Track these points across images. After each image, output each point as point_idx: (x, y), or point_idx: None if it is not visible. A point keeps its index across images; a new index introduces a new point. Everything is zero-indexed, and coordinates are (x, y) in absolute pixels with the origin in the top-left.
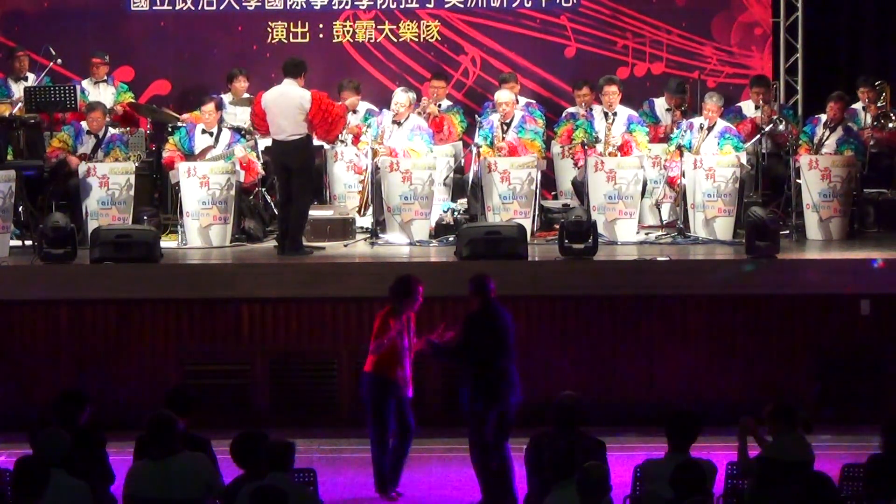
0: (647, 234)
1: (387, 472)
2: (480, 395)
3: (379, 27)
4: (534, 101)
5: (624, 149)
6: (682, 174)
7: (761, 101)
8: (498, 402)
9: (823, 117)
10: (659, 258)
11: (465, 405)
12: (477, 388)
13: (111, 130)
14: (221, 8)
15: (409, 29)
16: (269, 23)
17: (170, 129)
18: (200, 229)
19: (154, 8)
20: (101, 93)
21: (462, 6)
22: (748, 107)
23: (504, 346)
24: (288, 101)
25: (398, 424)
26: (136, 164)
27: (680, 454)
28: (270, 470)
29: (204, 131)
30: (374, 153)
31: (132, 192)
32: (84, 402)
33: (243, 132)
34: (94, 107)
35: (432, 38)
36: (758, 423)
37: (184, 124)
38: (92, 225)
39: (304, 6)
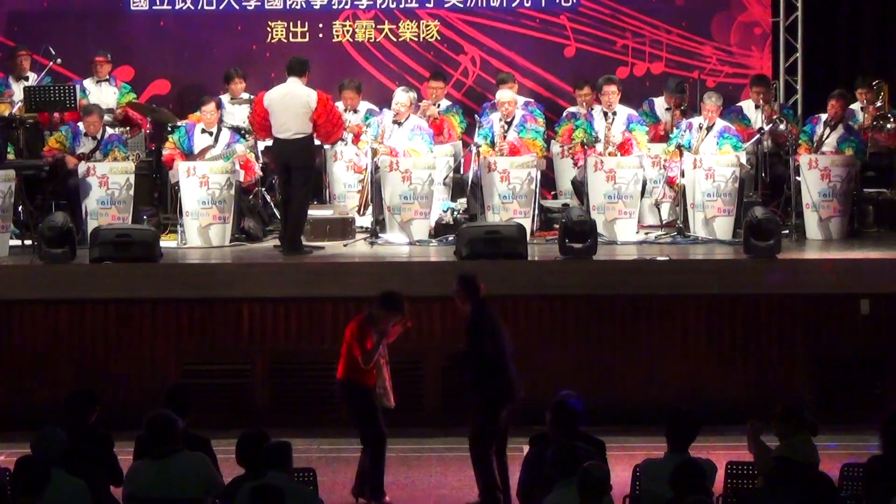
0: (646, 233)
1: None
2: (488, 394)
3: (378, 27)
4: (532, 100)
5: (623, 148)
6: (682, 174)
7: (761, 101)
8: (506, 399)
9: (823, 116)
10: (658, 258)
11: (475, 403)
12: (485, 389)
13: (109, 131)
14: (221, 7)
15: (408, 28)
16: (269, 22)
17: (169, 129)
18: (200, 229)
19: (154, 7)
20: (103, 92)
21: (461, 6)
22: (748, 106)
23: (504, 345)
24: (294, 100)
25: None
26: (136, 164)
27: (679, 454)
28: (270, 469)
29: (203, 131)
30: (374, 153)
31: (132, 192)
32: (94, 401)
33: (243, 132)
34: (91, 110)
35: (432, 37)
36: (762, 425)
37: (183, 124)
38: (91, 224)
39: (304, 6)
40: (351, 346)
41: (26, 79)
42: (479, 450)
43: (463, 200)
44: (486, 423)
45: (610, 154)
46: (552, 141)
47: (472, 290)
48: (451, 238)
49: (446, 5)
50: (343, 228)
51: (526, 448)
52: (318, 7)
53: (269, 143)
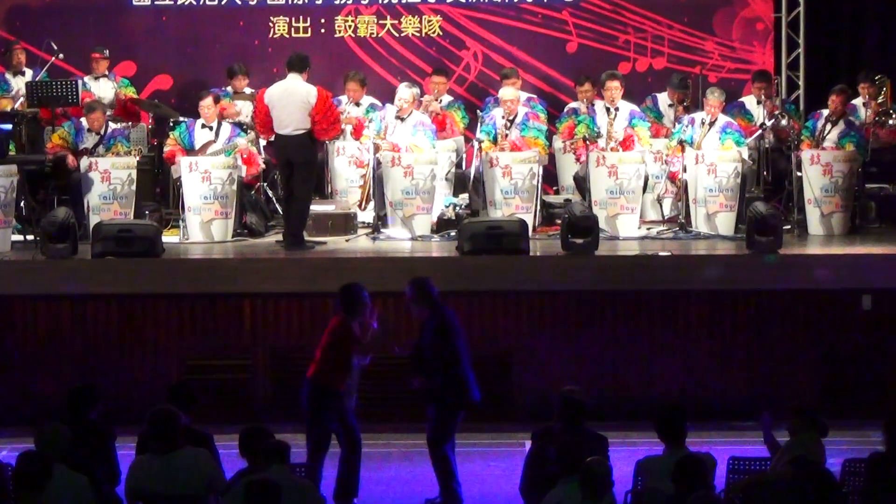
0: (648, 229)
1: (342, 482)
2: (448, 399)
3: (381, 22)
4: (535, 96)
5: (626, 144)
6: (684, 169)
7: (763, 96)
8: (465, 404)
9: (825, 112)
10: (660, 253)
11: (434, 406)
12: (445, 393)
13: (112, 126)
14: (223, 3)
15: (410, 24)
16: (271, 17)
17: (171, 124)
18: (202, 224)
19: (156, 3)
20: (102, 88)
21: (463, 1)
22: (750, 102)
23: (463, 346)
24: (293, 96)
25: (344, 434)
26: (138, 159)
27: (678, 449)
28: (271, 463)
29: (203, 126)
30: (377, 148)
31: (134, 187)
32: (95, 396)
33: (244, 126)
34: (94, 107)
35: (434, 32)
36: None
37: (185, 119)
38: (93, 220)
39: (306, 1)
40: (329, 350)
41: (23, 74)
42: (438, 449)
43: (465, 196)
44: (443, 426)
45: (612, 150)
46: (554, 136)
47: (427, 294)
48: (452, 233)
49: (448, 1)
50: (345, 224)
51: (528, 444)
52: (320, 2)
53: (271, 138)
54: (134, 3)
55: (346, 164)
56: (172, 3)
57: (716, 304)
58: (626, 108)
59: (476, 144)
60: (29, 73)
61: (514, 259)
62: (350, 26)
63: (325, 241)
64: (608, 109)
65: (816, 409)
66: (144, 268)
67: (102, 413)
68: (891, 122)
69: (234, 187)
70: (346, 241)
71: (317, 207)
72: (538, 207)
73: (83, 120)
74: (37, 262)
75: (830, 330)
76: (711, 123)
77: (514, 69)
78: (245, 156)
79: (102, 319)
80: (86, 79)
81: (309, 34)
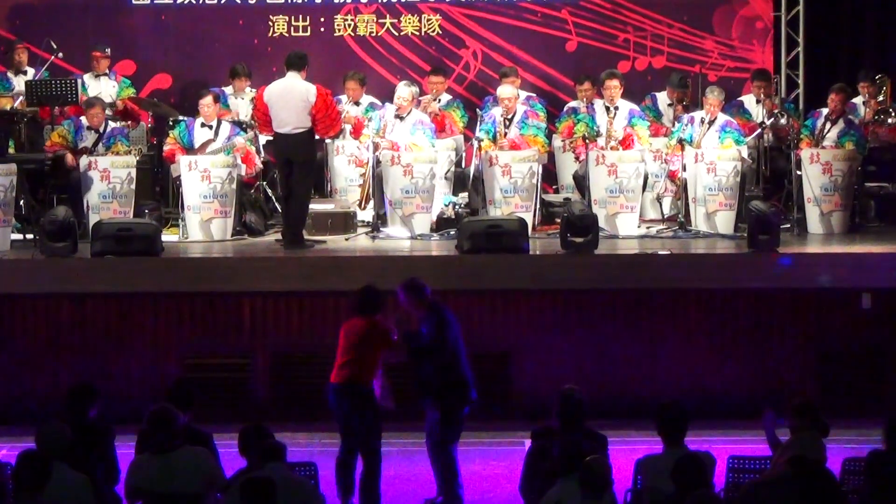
0: (648, 227)
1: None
2: (448, 397)
3: (380, 21)
4: (534, 95)
5: (625, 143)
6: (684, 168)
7: (762, 95)
8: (465, 402)
9: (825, 111)
10: (660, 252)
11: (435, 404)
12: (445, 391)
13: (111, 124)
14: (223, 2)
15: (410, 23)
16: (271, 16)
17: (170, 123)
18: (201, 223)
19: (155, 1)
20: (103, 86)
21: (463, 0)
22: (749, 101)
23: (460, 342)
24: (292, 94)
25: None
26: (138, 158)
27: (677, 448)
28: (268, 462)
29: (203, 125)
30: (376, 147)
31: (133, 186)
32: (95, 395)
33: (244, 125)
34: (93, 103)
35: (433, 31)
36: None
37: (184, 118)
38: (93, 218)
39: (306, 0)
40: (362, 350)
41: (24, 73)
42: (443, 450)
43: (464, 195)
44: (449, 426)
45: (611, 148)
46: (553, 135)
47: (420, 294)
48: (452, 232)
49: None
50: (344, 222)
51: (528, 442)
52: (319, 1)
53: (271, 137)
54: (133, 2)
55: (346, 163)
56: (172, 2)
57: (716, 303)
58: (626, 106)
59: (475, 143)
60: (31, 71)
61: (514, 258)
62: (349, 25)
63: (324, 240)
64: (608, 108)
65: (817, 408)
66: (144, 267)
67: (102, 412)
68: (890, 120)
69: (234, 186)
70: (346, 239)
71: (316, 206)
72: (538, 206)
73: (83, 118)
74: (36, 260)
75: (830, 329)
76: (711, 122)
77: (513, 68)
78: (242, 155)
79: (102, 318)
80: (86, 77)
81: (308, 33)
